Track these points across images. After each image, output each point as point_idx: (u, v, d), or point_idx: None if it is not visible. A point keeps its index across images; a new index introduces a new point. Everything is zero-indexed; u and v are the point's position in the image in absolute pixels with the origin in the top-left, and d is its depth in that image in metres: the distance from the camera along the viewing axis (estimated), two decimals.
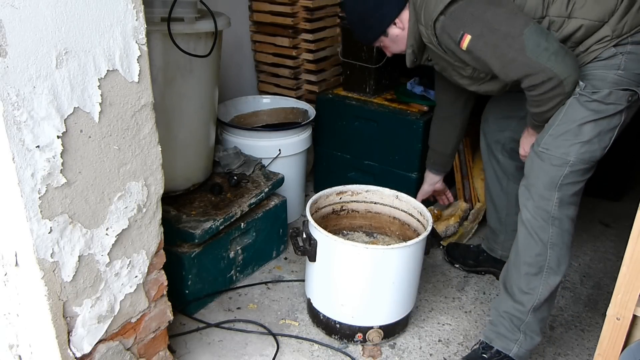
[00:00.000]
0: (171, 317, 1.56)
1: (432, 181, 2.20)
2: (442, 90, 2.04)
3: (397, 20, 1.74)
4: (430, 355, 1.81)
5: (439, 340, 1.87)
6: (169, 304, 1.54)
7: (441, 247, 2.32)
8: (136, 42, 1.20)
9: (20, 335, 1.33)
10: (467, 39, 1.50)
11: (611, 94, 1.45)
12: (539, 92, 1.47)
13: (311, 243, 1.74)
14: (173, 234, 1.75)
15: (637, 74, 1.46)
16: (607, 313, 1.13)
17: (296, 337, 1.85)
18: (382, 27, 1.77)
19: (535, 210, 1.54)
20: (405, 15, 1.72)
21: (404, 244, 1.66)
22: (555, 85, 1.44)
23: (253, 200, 2.02)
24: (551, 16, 1.51)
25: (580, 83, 1.48)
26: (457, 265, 2.24)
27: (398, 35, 1.77)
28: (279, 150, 2.30)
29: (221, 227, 1.89)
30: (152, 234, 1.40)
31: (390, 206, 2.00)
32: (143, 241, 1.38)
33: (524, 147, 1.72)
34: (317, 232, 1.71)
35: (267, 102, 2.62)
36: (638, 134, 2.53)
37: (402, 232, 2.00)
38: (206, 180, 2.11)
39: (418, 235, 1.78)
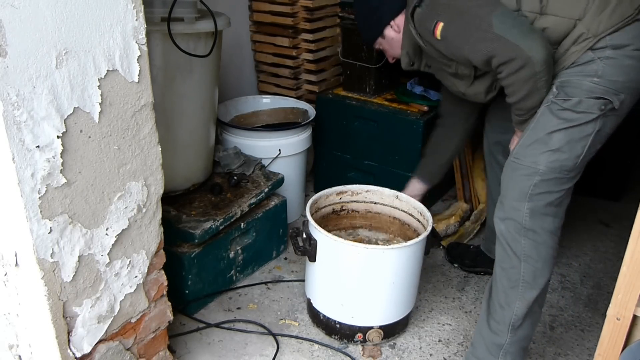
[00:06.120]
0: (171, 317, 1.56)
1: (413, 191, 2.04)
2: (445, 98, 2.03)
3: (392, 23, 1.78)
4: (430, 355, 1.81)
5: (439, 340, 1.87)
6: (169, 304, 1.54)
7: (441, 247, 2.32)
8: (136, 42, 1.20)
9: (20, 335, 1.33)
10: (440, 26, 1.51)
11: (581, 103, 1.40)
12: (508, 71, 1.43)
13: (311, 243, 1.74)
14: (173, 234, 1.75)
15: (614, 81, 1.40)
16: (607, 313, 1.13)
17: (296, 337, 1.85)
18: (379, 28, 1.80)
19: (507, 222, 1.51)
20: (400, 18, 1.75)
21: (403, 244, 1.66)
22: (524, 64, 1.40)
23: (253, 200, 2.02)
24: (524, 11, 1.48)
25: (554, 90, 1.45)
26: (455, 265, 2.24)
27: (394, 38, 1.80)
28: (279, 150, 2.30)
29: (221, 227, 1.89)
30: (152, 234, 1.40)
31: (390, 206, 2.00)
32: (143, 241, 1.38)
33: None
34: (317, 232, 1.71)
35: (267, 102, 2.62)
36: (638, 134, 2.54)
37: (402, 232, 2.00)
38: (206, 180, 2.11)
39: (418, 235, 1.78)
